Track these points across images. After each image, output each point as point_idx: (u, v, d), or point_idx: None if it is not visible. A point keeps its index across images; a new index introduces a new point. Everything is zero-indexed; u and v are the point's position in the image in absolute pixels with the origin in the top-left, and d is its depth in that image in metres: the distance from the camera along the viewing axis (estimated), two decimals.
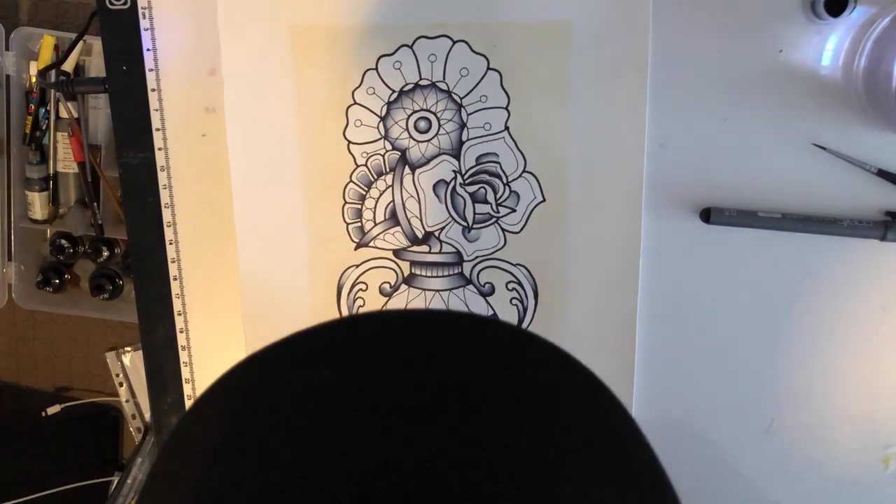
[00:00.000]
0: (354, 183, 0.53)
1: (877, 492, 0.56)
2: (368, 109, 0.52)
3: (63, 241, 1.17)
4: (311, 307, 0.55)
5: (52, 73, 0.99)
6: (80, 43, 1.05)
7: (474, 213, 0.53)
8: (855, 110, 0.50)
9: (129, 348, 1.30)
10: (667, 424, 0.56)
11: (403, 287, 0.55)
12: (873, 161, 0.50)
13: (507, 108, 0.51)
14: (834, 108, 0.50)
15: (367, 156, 0.53)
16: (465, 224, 0.53)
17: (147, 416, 1.28)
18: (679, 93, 0.50)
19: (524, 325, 0.55)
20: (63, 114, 1.11)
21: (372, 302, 0.55)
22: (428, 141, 0.52)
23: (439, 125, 0.52)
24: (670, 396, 0.55)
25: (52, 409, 1.32)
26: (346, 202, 0.53)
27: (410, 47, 0.50)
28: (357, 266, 0.55)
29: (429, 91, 0.51)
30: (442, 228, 0.54)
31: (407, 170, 0.53)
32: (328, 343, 0.27)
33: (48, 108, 1.11)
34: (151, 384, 0.59)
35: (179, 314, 0.57)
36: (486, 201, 0.53)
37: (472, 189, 0.53)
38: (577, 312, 0.54)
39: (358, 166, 0.53)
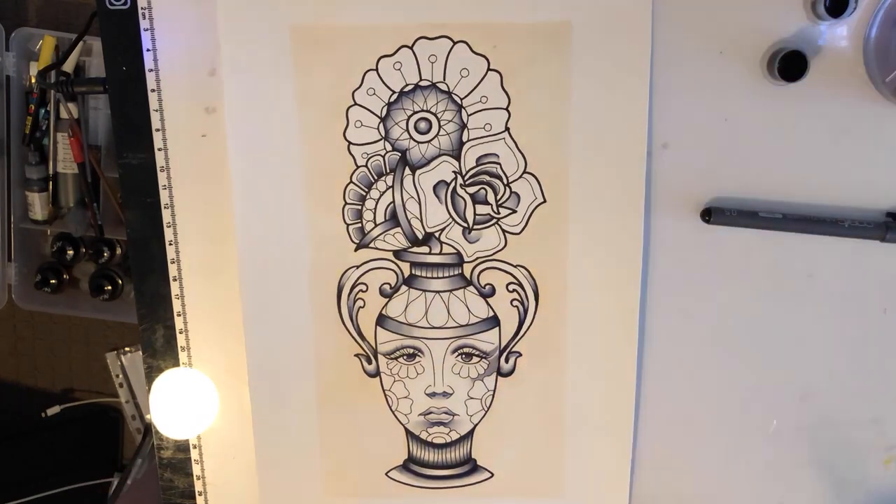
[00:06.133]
0: (355, 184, 0.53)
1: (879, 493, 0.56)
2: (369, 110, 0.52)
3: (65, 246, 1.17)
4: (312, 308, 0.55)
5: (53, 73, 0.98)
6: (80, 43, 1.05)
7: (475, 214, 0.53)
8: (855, 110, 0.50)
9: (129, 349, 1.30)
10: (668, 425, 0.56)
11: (404, 288, 0.55)
12: (876, 162, 0.50)
13: (507, 109, 0.51)
14: (834, 107, 0.50)
15: (368, 156, 0.52)
16: (465, 225, 0.53)
17: (147, 416, 1.28)
18: (680, 93, 0.50)
19: (525, 326, 0.55)
20: (63, 114, 1.10)
21: (372, 303, 0.55)
22: (428, 142, 0.52)
23: (439, 126, 0.52)
24: (671, 397, 0.55)
25: (52, 410, 1.32)
26: (346, 203, 0.53)
27: (410, 48, 0.50)
28: (357, 267, 0.55)
29: (429, 92, 0.51)
30: (442, 229, 0.53)
31: (407, 170, 0.53)
32: None
33: (48, 108, 1.11)
34: (151, 385, 0.59)
35: (179, 315, 0.57)
36: (486, 202, 0.53)
37: (472, 190, 0.53)
38: (577, 313, 0.54)
39: (358, 167, 0.53)
